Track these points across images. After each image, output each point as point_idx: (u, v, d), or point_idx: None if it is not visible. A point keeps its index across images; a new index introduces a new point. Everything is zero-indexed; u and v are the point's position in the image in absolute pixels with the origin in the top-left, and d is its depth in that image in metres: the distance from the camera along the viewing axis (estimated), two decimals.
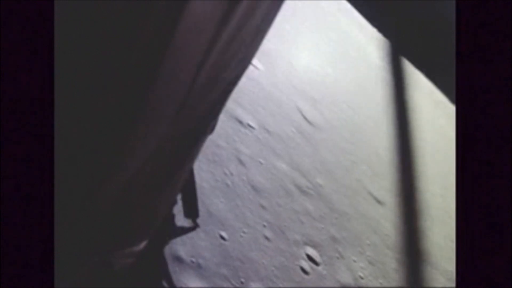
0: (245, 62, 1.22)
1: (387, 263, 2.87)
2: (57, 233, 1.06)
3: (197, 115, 1.18)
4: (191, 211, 1.74)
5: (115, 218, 1.17)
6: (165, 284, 1.53)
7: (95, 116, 0.97)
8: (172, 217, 1.75)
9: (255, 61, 3.61)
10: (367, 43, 6.43)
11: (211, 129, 1.42)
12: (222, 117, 2.64)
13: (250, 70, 3.46)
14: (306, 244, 2.32)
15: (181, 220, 1.79)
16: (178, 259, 1.66)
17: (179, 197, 1.82)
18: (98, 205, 1.09)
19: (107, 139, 0.99)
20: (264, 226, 2.18)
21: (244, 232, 2.04)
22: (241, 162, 2.43)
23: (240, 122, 2.77)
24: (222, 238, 1.92)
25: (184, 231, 1.76)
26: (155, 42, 0.90)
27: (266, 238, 2.13)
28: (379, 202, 3.48)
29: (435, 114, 6.62)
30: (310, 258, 2.28)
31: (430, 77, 7.57)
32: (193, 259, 1.75)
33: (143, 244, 1.36)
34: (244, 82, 3.23)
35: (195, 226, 1.81)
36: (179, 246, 1.71)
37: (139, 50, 0.90)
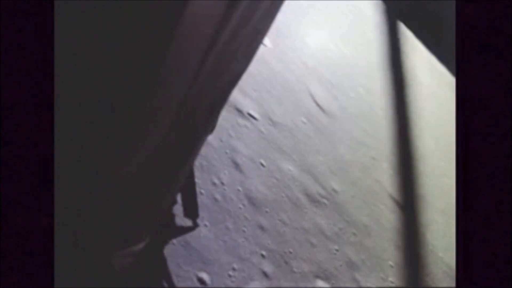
0: (245, 62, 1.21)
1: None
2: (57, 233, 1.06)
3: (197, 115, 1.17)
4: (191, 211, 1.71)
5: (115, 218, 1.17)
6: (165, 284, 1.47)
7: (95, 116, 0.96)
8: (172, 217, 1.69)
9: None
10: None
11: (211, 128, 1.39)
12: None
13: None
14: (316, 276, 1.79)
15: (181, 220, 1.68)
16: None
17: (179, 197, 1.74)
18: (98, 205, 1.09)
19: (107, 139, 0.99)
20: (263, 256, 1.64)
21: (234, 270, 1.51)
22: (236, 165, 1.87)
23: (239, 111, 2.21)
24: (201, 282, 1.39)
25: (184, 231, 1.70)
26: (155, 42, 0.89)
27: (265, 274, 1.59)
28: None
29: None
30: None
31: (444, 60, 7.07)
32: None
33: (143, 244, 1.34)
34: None
35: (195, 226, 1.74)
36: None
37: (139, 51, 0.89)
